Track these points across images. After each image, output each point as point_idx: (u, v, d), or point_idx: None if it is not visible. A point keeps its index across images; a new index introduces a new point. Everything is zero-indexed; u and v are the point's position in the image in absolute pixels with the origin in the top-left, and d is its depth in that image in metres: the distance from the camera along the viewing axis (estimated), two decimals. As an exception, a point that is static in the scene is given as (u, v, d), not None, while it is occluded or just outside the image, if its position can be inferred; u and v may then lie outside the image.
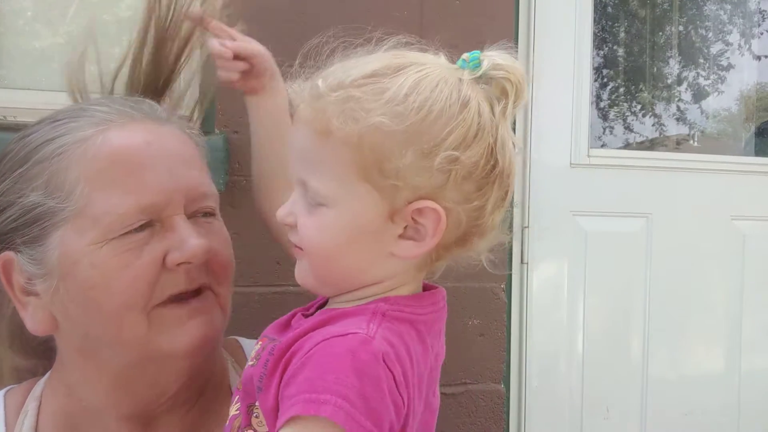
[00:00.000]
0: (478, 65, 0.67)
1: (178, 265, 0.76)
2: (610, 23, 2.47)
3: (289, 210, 0.70)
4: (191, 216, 0.81)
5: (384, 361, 0.60)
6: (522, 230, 1.77)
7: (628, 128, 2.50)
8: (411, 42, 0.71)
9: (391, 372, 0.60)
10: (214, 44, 0.99)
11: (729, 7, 2.54)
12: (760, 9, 2.53)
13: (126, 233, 0.75)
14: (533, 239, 1.78)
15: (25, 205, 0.77)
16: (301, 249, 0.70)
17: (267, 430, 0.64)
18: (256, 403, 0.66)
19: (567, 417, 1.85)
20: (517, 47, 1.77)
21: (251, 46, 1.02)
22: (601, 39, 2.43)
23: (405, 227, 0.66)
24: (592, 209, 1.86)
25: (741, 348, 1.99)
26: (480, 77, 0.67)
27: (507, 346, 1.74)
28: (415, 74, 0.65)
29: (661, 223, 1.91)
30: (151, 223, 0.77)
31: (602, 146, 2.36)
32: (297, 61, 0.71)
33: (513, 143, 0.67)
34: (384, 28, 0.72)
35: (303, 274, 0.72)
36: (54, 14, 1.46)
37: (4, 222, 0.79)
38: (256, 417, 0.66)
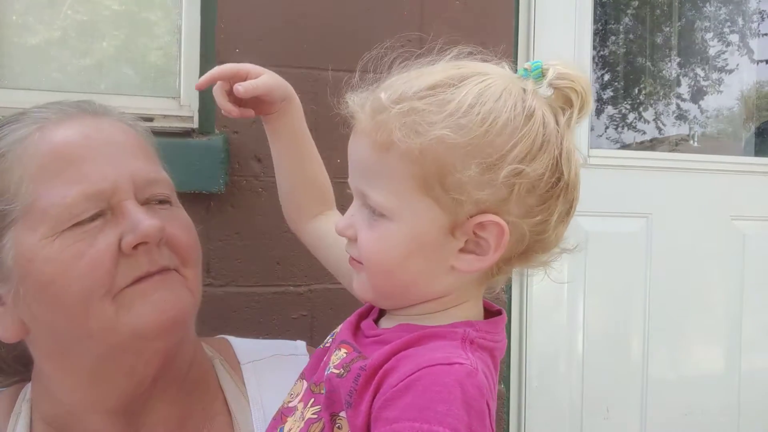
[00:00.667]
0: (540, 74, 0.66)
1: (135, 248, 0.77)
2: (610, 23, 2.47)
3: (348, 222, 0.69)
4: (145, 203, 0.82)
5: (485, 395, 0.60)
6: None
7: (628, 128, 2.50)
8: (473, 52, 0.70)
9: (489, 407, 0.60)
10: (224, 104, 0.94)
11: (730, 6, 2.54)
12: (759, 9, 2.53)
13: (76, 224, 0.76)
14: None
15: None
16: (360, 263, 0.69)
17: None
18: (341, 414, 0.65)
19: (567, 417, 1.85)
20: (516, 47, 1.78)
21: (262, 83, 0.91)
22: (602, 39, 2.43)
23: (466, 241, 0.65)
24: (592, 209, 1.86)
25: (741, 348, 1.99)
26: (544, 87, 0.66)
27: (507, 346, 1.73)
28: (478, 85, 0.63)
29: (661, 223, 1.91)
30: (102, 213, 0.78)
31: (602, 147, 2.36)
32: (356, 73, 0.71)
33: (578, 155, 0.66)
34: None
35: (362, 287, 0.71)
36: (54, 14, 1.46)
37: None
38: (339, 428, 0.65)
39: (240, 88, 0.88)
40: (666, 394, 1.92)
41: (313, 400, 0.70)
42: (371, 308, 0.76)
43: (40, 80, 1.45)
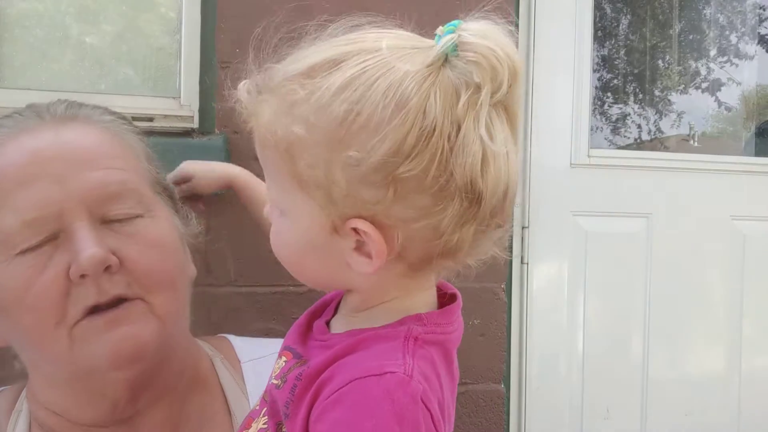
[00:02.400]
0: (453, 46, 0.56)
1: (81, 276, 0.72)
2: (610, 23, 2.47)
3: (268, 210, 0.66)
4: (106, 221, 0.76)
5: (422, 401, 0.55)
6: (522, 230, 1.77)
7: (628, 128, 2.50)
8: (376, 21, 0.63)
9: (429, 411, 0.56)
10: None
11: (730, 7, 2.54)
12: (759, 9, 2.53)
13: (27, 249, 0.73)
14: (533, 239, 1.78)
15: None
16: None
17: None
18: (284, 428, 0.62)
19: (567, 417, 1.85)
20: (516, 47, 1.77)
21: (187, 187, 1.18)
22: (602, 39, 2.43)
23: (357, 241, 0.58)
24: (592, 209, 1.86)
25: (741, 348, 1.99)
26: (449, 60, 0.56)
27: (507, 346, 1.73)
28: (355, 67, 0.56)
29: (661, 223, 1.91)
30: (55, 236, 0.74)
31: (602, 146, 2.36)
32: (250, 56, 0.64)
33: (489, 139, 0.55)
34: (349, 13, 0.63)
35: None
36: (54, 14, 1.46)
37: None
38: None
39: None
40: (666, 395, 1.92)
41: (265, 409, 0.68)
42: (325, 306, 0.72)
43: (40, 80, 1.45)
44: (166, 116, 1.41)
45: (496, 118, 0.56)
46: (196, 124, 1.44)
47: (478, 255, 0.62)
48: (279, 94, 0.58)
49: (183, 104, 1.45)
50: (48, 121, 0.81)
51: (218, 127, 1.41)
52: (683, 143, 2.53)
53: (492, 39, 0.56)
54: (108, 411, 0.80)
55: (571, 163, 1.83)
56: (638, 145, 2.50)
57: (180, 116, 1.44)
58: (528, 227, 1.77)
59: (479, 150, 0.55)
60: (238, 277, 1.41)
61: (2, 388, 0.89)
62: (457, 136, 0.54)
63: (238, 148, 1.41)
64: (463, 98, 0.54)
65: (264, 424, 0.66)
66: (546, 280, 1.82)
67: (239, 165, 1.41)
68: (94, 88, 1.47)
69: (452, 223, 0.56)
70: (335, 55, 0.57)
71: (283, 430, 0.63)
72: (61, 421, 0.81)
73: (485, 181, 0.55)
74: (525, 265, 1.78)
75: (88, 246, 0.72)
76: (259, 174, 1.41)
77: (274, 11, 1.43)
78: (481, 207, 0.56)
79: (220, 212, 1.39)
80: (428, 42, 0.59)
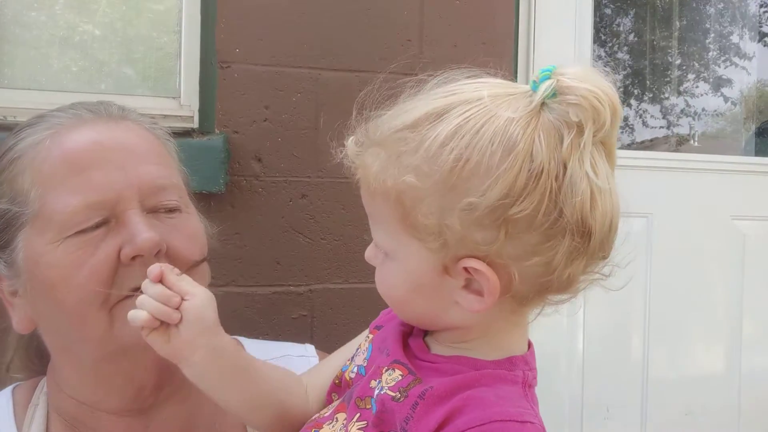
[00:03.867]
0: (554, 92, 0.58)
1: (133, 258, 0.77)
2: (610, 23, 2.47)
3: (372, 254, 0.69)
4: (152, 211, 0.82)
5: None
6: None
7: (628, 128, 2.50)
8: (476, 73, 0.65)
9: None
10: None
11: (729, 7, 2.54)
12: (760, 10, 2.53)
13: (80, 231, 0.77)
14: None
15: None
16: None
17: None
18: None
19: (567, 417, 1.85)
20: (517, 47, 1.77)
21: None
22: (602, 39, 2.43)
23: (467, 279, 0.61)
24: (592, 209, 1.86)
25: (741, 348, 1.99)
26: (546, 104, 0.58)
27: (507, 346, 1.73)
28: (458, 118, 0.58)
29: (661, 223, 1.91)
30: (106, 220, 0.78)
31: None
32: (354, 113, 0.67)
33: (594, 175, 0.57)
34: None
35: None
36: (54, 14, 1.46)
37: None
38: None
39: None
40: (666, 394, 1.92)
41: (358, 414, 0.68)
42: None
43: (40, 80, 1.45)
44: (166, 116, 1.41)
45: (597, 155, 0.59)
46: (196, 124, 1.44)
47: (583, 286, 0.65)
48: (387, 146, 0.61)
49: (183, 104, 1.45)
50: (104, 116, 0.86)
51: (218, 127, 1.41)
52: (683, 143, 2.53)
53: (590, 81, 0.59)
54: (132, 397, 0.83)
55: (571, 163, 1.83)
56: (639, 144, 2.50)
57: (180, 116, 1.44)
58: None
59: (587, 188, 0.57)
60: (238, 277, 1.41)
61: (18, 383, 0.92)
62: (564, 175, 0.57)
63: (238, 148, 1.41)
64: (567, 139, 0.57)
65: (360, 429, 0.66)
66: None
67: (239, 165, 1.41)
68: (94, 88, 1.47)
69: (563, 258, 0.59)
70: (439, 106, 0.60)
71: None
72: (84, 408, 0.84)
73: (594, 216, 0.58)
74: (525, 265, 1.78)
75: (144, 230, 0.77)
76: (259, 174, 1.42)
77: (274, 11, 1.44)
78: (591, 242, 0.59)
79: (220, 212, 1.39)
80: (522, 87, 0.62)
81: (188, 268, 0.83)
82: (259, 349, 1.00)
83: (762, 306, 2.00)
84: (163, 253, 0.80)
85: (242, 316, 1.42)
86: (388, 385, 0.66)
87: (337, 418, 0.70)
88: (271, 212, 1.43)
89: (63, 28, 1.46)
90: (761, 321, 2.01)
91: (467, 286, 0.62)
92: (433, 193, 0.58)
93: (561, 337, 1.85)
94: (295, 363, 0.99)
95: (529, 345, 0.71)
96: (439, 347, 0.69)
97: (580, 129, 0.57)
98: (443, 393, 0.61)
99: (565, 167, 0.57)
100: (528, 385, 0.64)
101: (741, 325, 1.99)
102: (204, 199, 1.35)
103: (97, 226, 0.78)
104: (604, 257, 0.64)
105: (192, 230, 0.87)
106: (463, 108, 0.59)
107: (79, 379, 0.84)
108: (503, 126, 0.57)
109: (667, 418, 1.92)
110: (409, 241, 0.62)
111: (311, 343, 1.08)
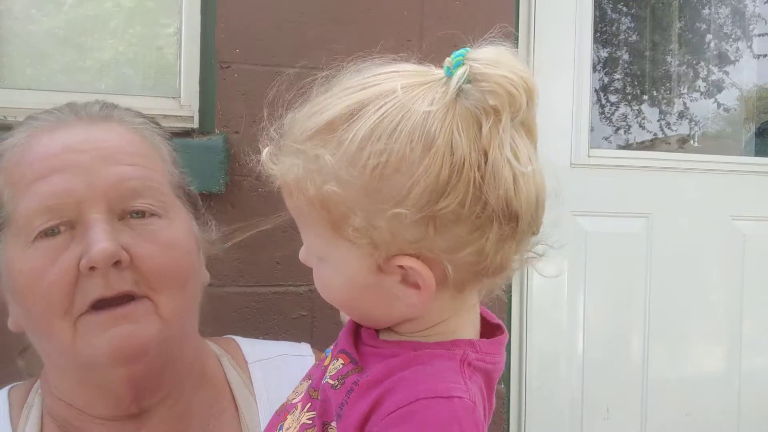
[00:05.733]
0: (466, 77, 0.58)
1: (91, 269, 0.74)
2: (610, 23, 2.47)
3: (306, 256, 0.69)
4: (123, 216, 0.79)
5: (480, 430, 0.58)
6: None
7: (628, 128, 2.50)
8: (396, 59, 0.64)
9: None
10: None
11: (729, 7, 2.54)
12: (757, 11, 2.53)
13: (40, 236, 0.75)
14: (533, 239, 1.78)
15: None
16: None
17: None
18: (332, 424, 0.64)
19: (567, 417, 1.85)
20: (517, 47, 1.77)
21: None
22: (602, 39, 2.43)
23: (403, 274, 0.61)
24: (592, 209, 1.86)
25: (741, 348, 1.99)
26: (462, 90, 0.57)
27: (507, 346, 1.73)
28: (372, 116, 0.57)
29: (661, 223, 1.91)
30: (72, 226, 0.76)
31: (602, 146, 2.36)
32: (264, 112, 0.66)
33: (516, 160, 0.57)
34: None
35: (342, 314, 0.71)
36: (55, 14, 1.46)
37: None
38: None
39: None
40: (666, 395, 1.92)
41: (309, 404, 0.69)
42: None
43: (41, 80, 1.45)
44: (166, 116, 1.41)
45: (517, 137, 0.58)
46: (196, 124, 1.44)
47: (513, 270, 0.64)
48: (303, 152, 0.60)
49: (183, 104, 1.45)
50: (84, 118, 0.85)
51: (218, 127, 1.41)
52: (683, 143, 2.53)
53: (504, 65, 0.58)
54: (113, 406, 0.82)
55: (571, 163, 1.83)
56: (638, 145, 2.50)
57: (180, 116, 1.44)
58: (528, 227, 1.77)
59: (509, 174, 0.57)
60: (238, 277, 1.41)
61: (14, 384, 0.91)
62: (486, 164, 0.56)
63: (238, 148, 1.41)
64: (486, 126, 0.56)
65: (308, 419, 0.67)
66: (546, 280, 1.82)
67: (239, 165, 1.41)
68: (94, 88, 1.47)
69: (494, 245, 0.59)
70: (352, 103, 0.59)
71: (329, 430, 0.64)
72: (73, 412, 0.83)
73: (519, 201, 0.57)
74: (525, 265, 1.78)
75: (101, 239, 0.74)
76: (259, 174, 1.42)
77: (274, 11, 1.44)
78: (519, 225, 0.59)
79: (220, 212, 1.39)
80: (437, 73, 0.60)
81: (161, 284, 0.78)
82: (254, 349, 1.01)
83: (762, 306, 2.00)
84: (126, 264, 0.75)
85: (242, 316, 1.42)
86: (330, 374, 0.67)
87: (297, 407, 0.71)
88: (271, 212, 1.43)
89: (63, 28, 1.46)
90: (761, 321, 2.01)
91: (404, 280, 0.61)
92: (356, 198, 0.57)
93: (561, 337, 1.85)
94: (291, 362, 0.99)
95: (500, 332, 0.70)
96: (387, 334, 0.69)
97: (497, 115, 0.56)
98: (377, 377, 0.61)
99: (486, 155, 0.56)
100: (467, 362, 0.62)
101: (741, 326, 1.99)
102: (204, 199, 1.35)
103: (57, 231, 0.75)
104: (535, 233, 0.64)
105: (169, 238, 0.81)
106: (378, 103, 0.58)
107: (65, 384, 0.83)
108: (420, 122, 0.56)
109: (667, 418, 1.92)
110: (340, 243, 0.60)
111: (311, 343, 1.08)
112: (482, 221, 0.57)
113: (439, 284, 0.60)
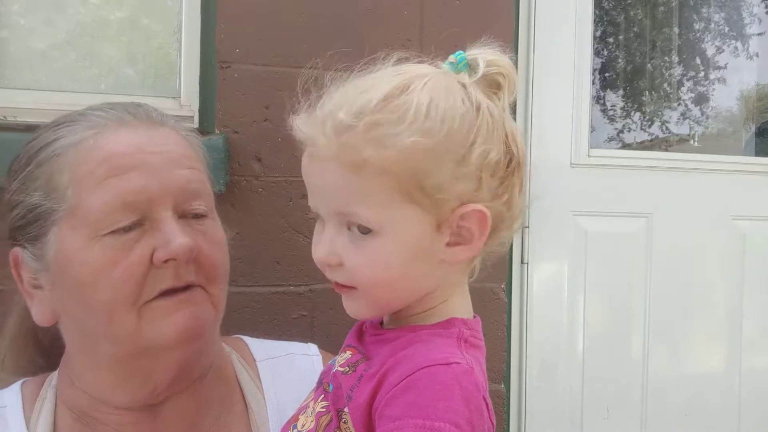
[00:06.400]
0: (466, 65, 0.70)
1: (165, 261, 0.79)
2: (610, 24, 2.47)
3: (329, 249, 0.68)
4: (183, 216, 0.84)
5: (481, 390, 0.64)
6: (522, 230, 1.77)
7: (628, 128, 2.50)
8: (408, 57, 0.72)
9: (485, 401, 0.64)
10: None
11: (729, 7, 2.54)
12: (755, 11, 2.53)
13: (114, 231, 0.79)
14: (533, 239, 1.78)
15: (29, 205, 0.83)
16: (351, 287, 0.69)
17: None
18: (345, 409, 0.67)
19: (567, 417, 1.85)
20: (517, 47, 1.78)
21: None
22: (602, 39, 2.43)
23: (450, 234, 0.67)
24: (592, 209, 1.86)
25: (741, 348, 1.99)
26: (479, 77, 0.69)
27: (507, 346, 1.74)
28: (424, 88, 0.65)
29: (661, 223, 1.91)
30: (141, 223, 0.81)
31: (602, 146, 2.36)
32: (298, 96, 0.72)
33: (515, 123, 0.70)
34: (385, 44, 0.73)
35: (359, 308, 0.72)
36: (56, 15, 1.46)
37: (13, 220, 0.86)
38: (345, 423, 0.67)
39: None
40: (666, 394, 1.92)
41: (322, 396, 0.73)
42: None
43: (41, 80, 1.45)
44: (166, 116, 1.42)
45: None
46: (196, 124, 1.44)
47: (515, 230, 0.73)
48: (371, 120, 0.64)
49: (183, 104, 1.46)
50: (143, 120, 0.88)
51: (218, 127, 1.41)
52: (683, 143, 2.53)
53: (500, 55, 0.71)
54: (147, 393, 0.85)
55: (571, 163, 1.84)
56: (638, 144, 2.50)
57: (180, 116, 1.43)
58: (528, 227, 1.78)
59: (517, 133, 0.70)
60: (238, 277, 1.42)
61: (26, 378, 0.93)
62: (506, 128, 0.69)
63: (238, 148, 1.41)
64: (500, 100, 0.70)
65: (323, 407, 0.71)
66: (546, 280, 1.82)
67: (239, 165, 1.41)
68: (94, 88, 1.47)
69: (515, 196, 0.70)
70: (398, 83, 0.66)
71: (344, 416, 0.67)
72: (94, 402, 0.86)
73: (523, 152, 0.70)
74: (525, 265, 1.78)
75: (179, 235, 0.80)
76: (259, 174, 1.42)
77: (274, 11, 1.44)
78: (523, 181, 0.71)
79: (220, 212, 1.39)
80: (444, 68, 0.71)
81: (216, 277, 0.86)
82: (262, 348, 1.03)
83: (762, 306, 2.00)
84: (193, 259, 0.82)
85: (242, 316, 1.42)
86: (339, 364, 0.72)
87: (309, 406, 0.75)
88: (271, 212, 1.43)
89: (63, 28, 1.46)
90: (761, 321, 2.01)
91: (449, 241, 0.68)
92: (433, 151, 0.64)
93: (561, 337, 1.85)
94: (298, 361, 1.01)
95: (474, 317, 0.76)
96: (389, 324, 0.74)
97: (502, 93, 0.70)
98: (383, 360, 0.66)
99: (504, 122, 0.69)
100: (463, 339, 0.68)
101: (741, 325, 1.99)
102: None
103: (132, 227, 0.80)
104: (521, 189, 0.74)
105: (219, 238, 0.90)
106: (422, 80, 0.67)
107: (95, 376, 0.86)
108: (461, 91, 0.67)
109: (667, 418, 1.92)
110: (405, 206, 0.65)
111: (312, 342, 1.08)
112: (509, 171, 0.68)
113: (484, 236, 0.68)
